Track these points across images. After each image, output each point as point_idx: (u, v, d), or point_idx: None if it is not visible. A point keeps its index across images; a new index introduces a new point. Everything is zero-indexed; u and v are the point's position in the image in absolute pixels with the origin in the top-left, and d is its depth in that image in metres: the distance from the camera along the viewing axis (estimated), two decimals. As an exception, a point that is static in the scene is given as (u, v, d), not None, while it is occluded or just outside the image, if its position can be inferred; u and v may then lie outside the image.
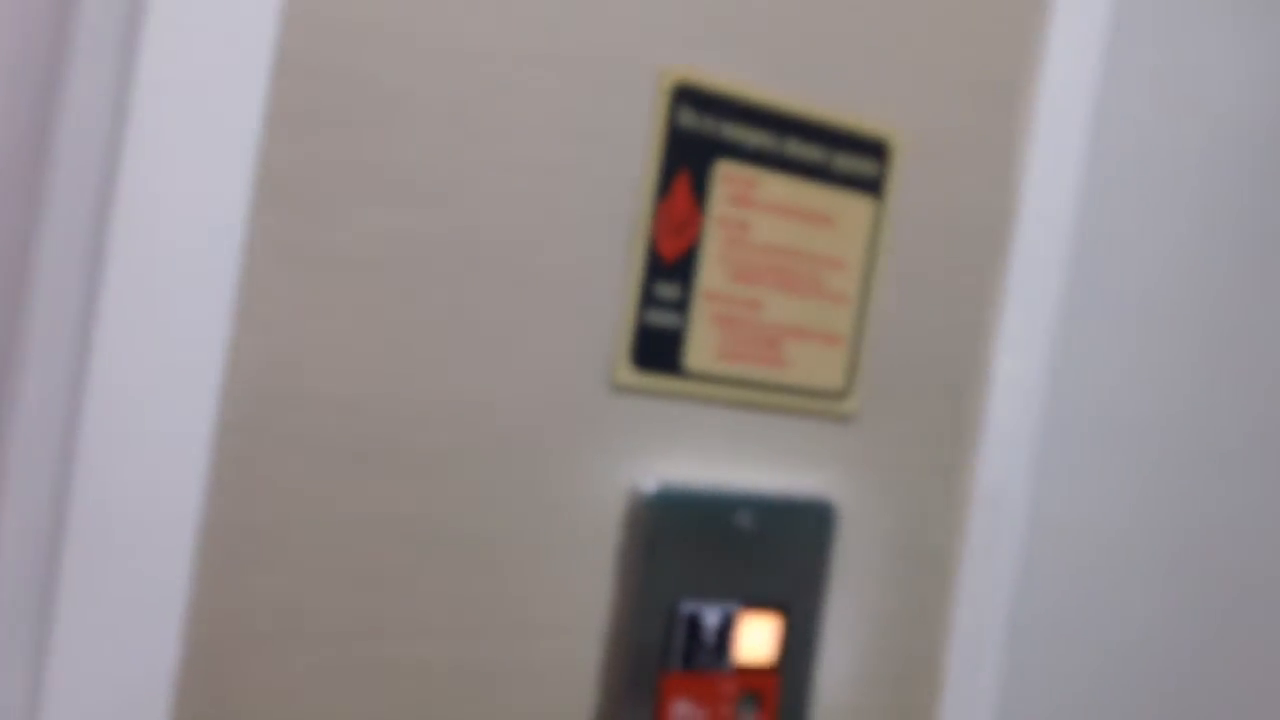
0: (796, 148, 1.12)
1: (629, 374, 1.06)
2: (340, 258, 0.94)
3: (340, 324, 0.94)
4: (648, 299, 1.06)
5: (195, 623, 0.90)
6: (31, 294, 0.85)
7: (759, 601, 1.13)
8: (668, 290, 1.07)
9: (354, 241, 0.94)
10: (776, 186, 1.11)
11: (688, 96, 1.06)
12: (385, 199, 0.95)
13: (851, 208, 1.16)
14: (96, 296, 0.84)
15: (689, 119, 1.07)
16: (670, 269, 1.07)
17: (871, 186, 1.17)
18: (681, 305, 1.08)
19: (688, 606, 1.09)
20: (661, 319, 1.07)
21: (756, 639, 1.12)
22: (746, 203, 1.10)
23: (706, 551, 1.09)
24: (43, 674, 0.84)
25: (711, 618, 1.10)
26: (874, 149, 1.16)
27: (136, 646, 0.87)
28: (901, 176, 1.19)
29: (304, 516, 0.94)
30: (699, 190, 1.08)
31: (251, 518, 0.92)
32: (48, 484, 0.85)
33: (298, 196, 0.92)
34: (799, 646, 1.15)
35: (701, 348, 1.09)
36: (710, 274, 1.09)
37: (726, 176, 1.09)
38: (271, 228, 0.91)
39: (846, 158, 1.15)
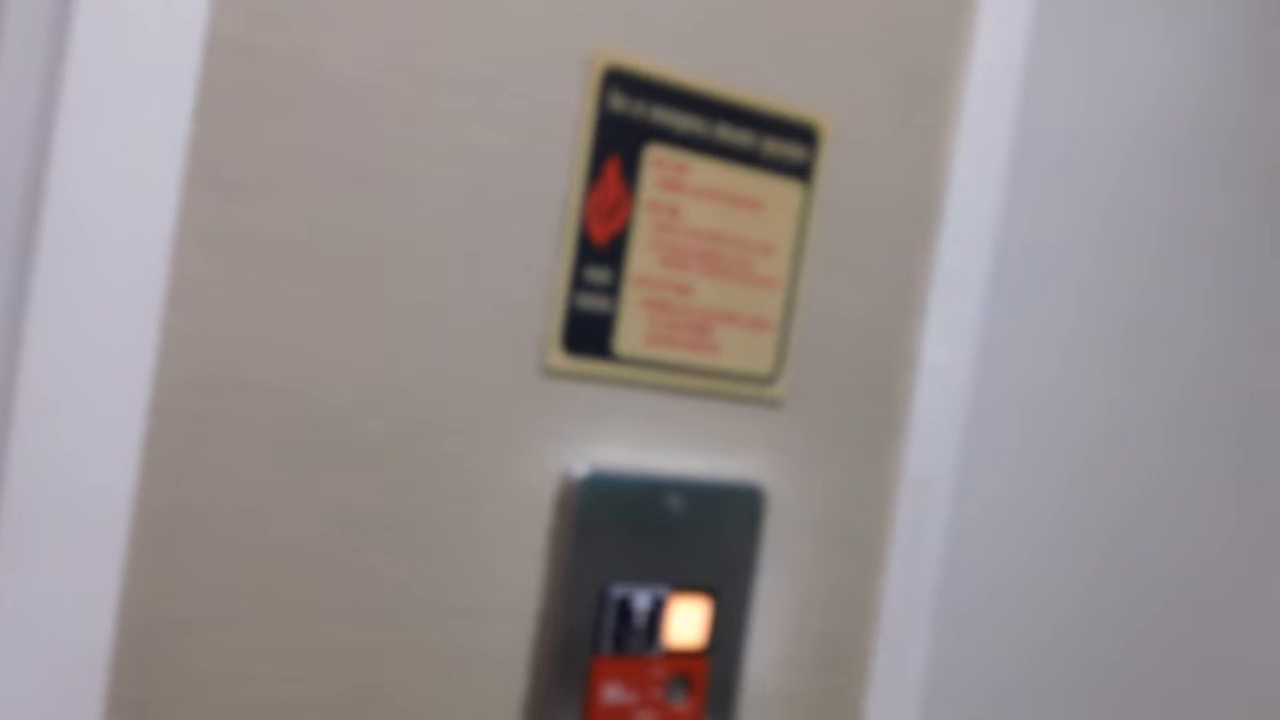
0: (727, 132, 1.13)
1: (560, 358, 1.06)
2: (271, 243, 0.93)
3: (272, 309, 0.93)
4: (578, 283, 1.06)
5: (129, 607, 0.89)
6: (-46, 275, 0.84)
7: (689, 585, 1.13)
8: (598, 274, 1.07)
9: (285, 227, 0.93)
10: (707, 171, 1.12)
11: (618, 80, 1.07)
12: (317, 184, 0.94)
13: (781, 192, 1.16)
14: (27, 280, 0.83)
15: (619, 103, 1.07)
16: (601, 253, 1.07)
17: (800, 172, 1.17)
18: (612, 289, 1.08)
19: (618, 590, 1.09)
20: (592, 303, 1.07)
21: (686, 622, 1.13)
22: (677, 187, 1.10)
23: (637, 535, 1.10)
24: (-34, 661, 0.83)
25: (642, 601, 1.10)
26: (803, 134, 1.17)
27: (70, 631, 0.86)
28: (830, 162, 1.20)
29: (237, 501, 0.93)
30: (629, 174, 1.08)
31: (184, 501, 0.91)
32: (-29, 468, 0.84)
33: (230, 181, 0.91)
34: (728, 630, 1.16)
35: (631, 332, 1.10)
36: (640, 258, 1.09)
37: (657, 161, 1.09)
38: (203, 212, 0.90)
39: (776, 142, 1.15)
